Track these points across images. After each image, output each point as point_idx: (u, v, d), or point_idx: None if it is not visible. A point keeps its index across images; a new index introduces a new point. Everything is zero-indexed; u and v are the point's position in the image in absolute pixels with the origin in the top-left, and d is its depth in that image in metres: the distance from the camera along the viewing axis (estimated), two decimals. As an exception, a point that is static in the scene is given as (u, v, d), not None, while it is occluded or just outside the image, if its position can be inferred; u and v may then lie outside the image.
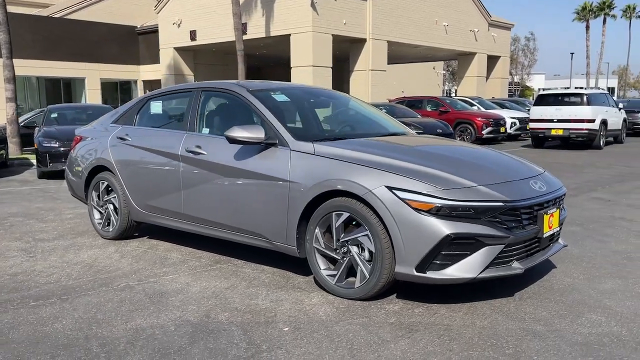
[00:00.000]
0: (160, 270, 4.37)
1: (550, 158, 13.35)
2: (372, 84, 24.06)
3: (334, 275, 3.69)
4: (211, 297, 3.71)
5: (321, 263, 3.77)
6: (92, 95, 32.26)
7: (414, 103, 19.71)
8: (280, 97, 4.62)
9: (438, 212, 3.26)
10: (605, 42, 77.66)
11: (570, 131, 15.95)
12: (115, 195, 5.25)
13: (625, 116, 18.84)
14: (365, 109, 5.29)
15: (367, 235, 3.48)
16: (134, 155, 5.07)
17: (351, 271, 3.65)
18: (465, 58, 30.08)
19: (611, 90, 68.40)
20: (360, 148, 3.82)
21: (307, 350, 2.87)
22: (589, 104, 15.93)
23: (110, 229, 5.36)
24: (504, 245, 3.33)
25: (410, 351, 2.85)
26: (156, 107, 5.31)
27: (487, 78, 31.10)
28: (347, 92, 25.81)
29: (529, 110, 23.14)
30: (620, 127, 17.99)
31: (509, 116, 19.39)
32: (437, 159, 3.76)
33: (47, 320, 3.33)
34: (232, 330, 3.15)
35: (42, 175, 10.73)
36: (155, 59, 30.88)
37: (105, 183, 5.36)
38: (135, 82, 34.44)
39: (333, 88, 22.22)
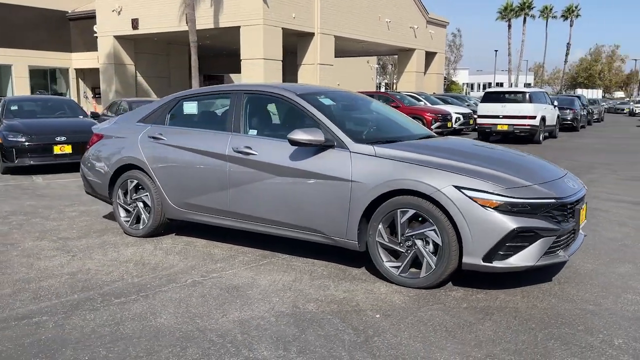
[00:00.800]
0: (214, 265, 4.55)
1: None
2: (320, 78, 24.45)
3: (397, 267, 4.05)
4: (286, 290, 3.97)
5: (383, 256, 4.12)
6: (20, 84, 30.66)
7: (365, 98, 20.27)
8: (326, 101, 4.90)
9: (503, 209, 3.70)
10: (526, 40, 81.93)
11: (515, 127, 17.11)
12: (147, 193, 5.34)
13: (559, 112, 20.37)
14: (387, 111, 5.67)
15: (434, 229, 3.87)
16: (170, 154, 5.18)
17: (414, 262, 4.03)
18: (405, 54, 31.13)
19: (528, 86, 72.47)
20: (417, 150, 4.19)
21: (411, 334, 3.23)
22: (531, 101, 17.15)
23: (141, 227, 5.44)
24: (555, 237, 3.82)
25: (499, 330, 3.27)
26: (190, 107, 5.43)
27: (424, 73, 32.35)
28: (295, 85, 26.10)
29: (468, 105, 24.44)
30: (555, 123, 19.43)
31: (454, 111, 20.41)
32: (488, 160, 4.20)
33: (146, 315, 3.49)
34: (329, 318, 3.45)
35: (6, 171, 10.34)
36: (89, 47, 29.76)
37: (135, 181, 5.42)
38: (67, 70, 33.01)
39: (283, 81, 22.46)
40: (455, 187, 3.80)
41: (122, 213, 5.59)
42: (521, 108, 17.08)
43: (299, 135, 4.29)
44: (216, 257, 4.81)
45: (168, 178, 5.20)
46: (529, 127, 16.99)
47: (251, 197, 4.70)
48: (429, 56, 32.62)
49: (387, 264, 4.10)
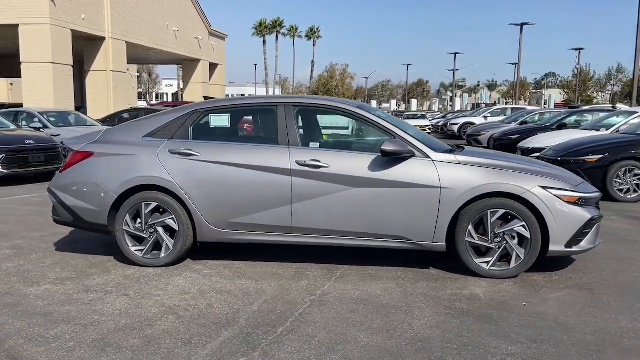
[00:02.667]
0: (303, 285, 4.38)
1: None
2: (113, 86, 22.74)
3: (487, 262, 4.54)
4: (409, 297, 4.11)
5: (472, 254, 4.56)
6: None
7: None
8: (382, 114, 5.08)
9: (579, 203, 4.50)
10: (280, 56, 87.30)
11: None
12: (172, 215, 4.75)
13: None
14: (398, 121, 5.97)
15: (523, 225, 4.46)
16: (209, 172, 4.72)
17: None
18: (190, 64, 30.83)
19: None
20: (489, 157, 4.73)
21: (572, 315, 3.77)
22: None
23: (162, 255, 4.80)
24: (599, 223, 4.78)
25: (612, 302, 4.03)
26: (221, 120, 5.01)
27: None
28: (84, 93, 23.67)
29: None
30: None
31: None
32: (538, 165, 4.97)
33: (321, 350, 3.30)
34: (492, 313, 3.77)
35: None
36: None
37: (152, 204, 4.76)
38: None
39: (74, 87, 20.28)
40: (541, 187, 4.47)
41: (130, 242, 4.84)
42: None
43: (390, 146, 4.46)
44: (291, 274, 4.60)
45: (206, 197, 4.72)
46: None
47: (322, 210, 4.63)
48: (212, 67, 32.86)
49: (478, 260, 4.55)
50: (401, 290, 4.25)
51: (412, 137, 4.70)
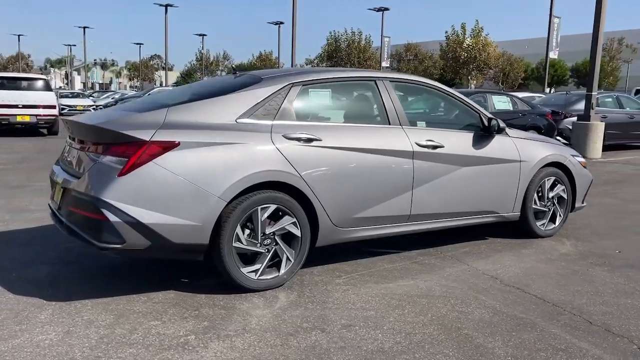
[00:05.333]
0: (461, 292, 4.12)
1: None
2: None
3: (543, 224, 5.14)
4: (555, 295, 4.40)
5: (532, 219, 5.07)
6: None
7: None
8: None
9: (585, 166, 5.51)
10: None
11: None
12: (294, 219, 3.71)
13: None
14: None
15: (563, 189, 5.23)
16: (334, 160, 3.85)
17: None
18: None
19: None
20: (528, 134, 5.25)
21: None
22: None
23: (282, 271, 3.70)
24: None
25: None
26: (322, 96, 4.04)
27: None
28: None
29: None
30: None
31: None
32: (549, 138, 5.75)
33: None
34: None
35: None
36: None
37: (272, 207, 3.61)
38: None
39: None
40: (572, 155, 5.31)
41: (239, 262, 3.56)
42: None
43: (499, 124, 4.58)
44: (421, 265, 4.20)
45: (332, 191, 3.85)
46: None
47: (438, 193, 4.38)
48: None
49: (539, 222, 5.10)
50: (489, 270, 4.48)
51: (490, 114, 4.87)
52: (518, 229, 5.11)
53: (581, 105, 13.26)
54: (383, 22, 42.67)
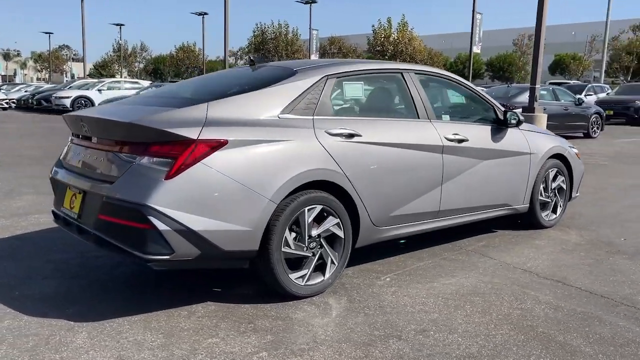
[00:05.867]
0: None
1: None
2: None
3: (547, 214, 5.22)
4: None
5: (538, 209, 5.13)
6: None
7: None
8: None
9: (579, 157, 5.65)
10: None
11: None
12: (338, 220, 3.51)
13: None
14: None
15: (563, 180, 5.33)
16: (374, 156, 3.67)
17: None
18: None
19: None
20: (530, 126, 5.30)
21: None
22: None
23: (327, 275, 3.47)
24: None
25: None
26: (354, 89, 3.82)
27: None
28: None
29: None
30: None
31: None
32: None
33: None
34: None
35: None
36: None
37: (318, 208, 3.38)
38: None
39: None
40: (570, 146, 5.43)
41: (288, 268, 3.31)
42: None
43: (520, 117, 4.58)
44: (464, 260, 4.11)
45: (372, 189, 3.67)
46: None
47: (464, 187, 4.32)
48: None
49: (543, 213, 5.17)
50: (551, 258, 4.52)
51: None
52: (524, 220, 5.15)
53: (522, 98, 13.80)
54: (311, 14, 42.58)
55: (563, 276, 3.89)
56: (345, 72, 3.81)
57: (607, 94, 24.73)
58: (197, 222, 2.92)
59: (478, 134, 4.46)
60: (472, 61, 34.55)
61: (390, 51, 42.83)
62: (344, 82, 3.81)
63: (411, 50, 42.89)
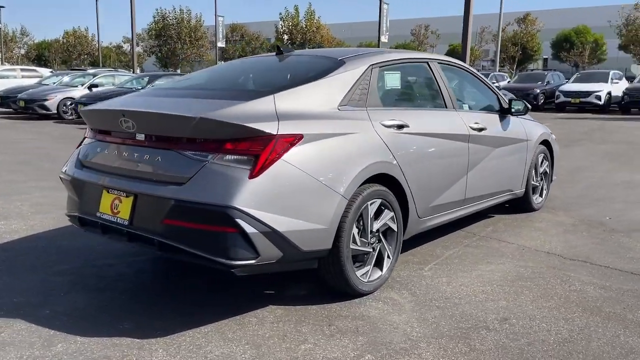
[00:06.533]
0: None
1: None
2: None
3: (536, 198, 5.46)
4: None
5: (530, 193, 5.36)
6: None
7: None
8: None
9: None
10: None
11: None
12: (392, 214, 3.44)
13: None
14: None
15: (548, 164, 5.60)
16: (420, 148, 3.64)
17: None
18: None
19: None
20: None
21: None
22: None
23: (384, 270, 3.40)
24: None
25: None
26: (394, 79, 3.73)
27: None
28: None
29: None
30: None
31: None
32: None
33: None
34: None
35: None
36: None
37: (377, 202, 3.29)
38: None
39: None
40: (549, 132, 5.71)
41: (352, 265, 3.20)
42: None
43: (528, 105, 4.74)
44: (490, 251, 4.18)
45: (419, 180, 3.64)
46: None
47: (483, 175, 4.40)
48: None
49: (533, 197, 5.40)
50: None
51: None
52: (518, 204, 5.35)
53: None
54: (216, 0, 41.31)
55: (586, 256, 4.09)
56: (387, 61, 3.71)
57: (508, 82, 26.41)
58: (281, 223, 2.72)
59: (491, 122, 4.56)
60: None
61: (299, 39, 42.79)
62: (385, 72, 3.72)
63: (319, 38, 43.13)
